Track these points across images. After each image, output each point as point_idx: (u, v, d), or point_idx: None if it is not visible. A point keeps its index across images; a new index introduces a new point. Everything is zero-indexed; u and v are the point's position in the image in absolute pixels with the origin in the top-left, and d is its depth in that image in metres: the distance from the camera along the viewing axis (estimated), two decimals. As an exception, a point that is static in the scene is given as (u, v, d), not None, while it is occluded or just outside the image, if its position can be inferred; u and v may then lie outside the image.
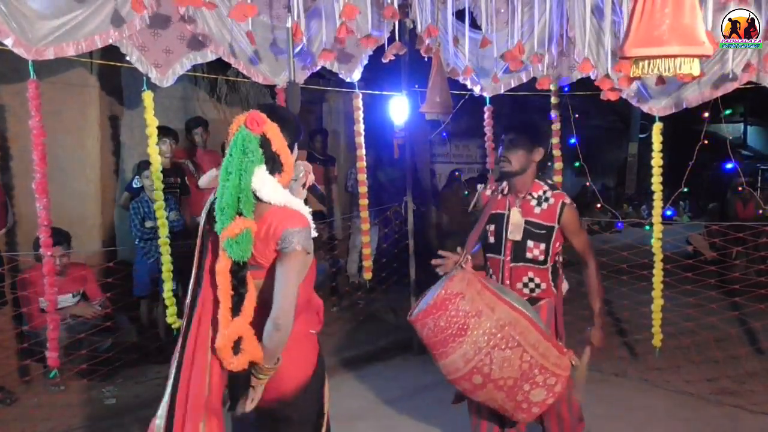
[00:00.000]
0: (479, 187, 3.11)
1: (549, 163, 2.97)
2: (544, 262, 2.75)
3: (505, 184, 2.85)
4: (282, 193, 1.92)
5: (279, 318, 1.87)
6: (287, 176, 1.96)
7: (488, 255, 2.85)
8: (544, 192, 2.77)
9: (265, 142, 1.90)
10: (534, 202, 2.76)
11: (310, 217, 1.95)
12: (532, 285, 2.77)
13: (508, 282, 2.77)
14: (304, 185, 2.20)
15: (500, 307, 2.46)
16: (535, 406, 2.48)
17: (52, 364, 3.46)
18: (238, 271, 1.89)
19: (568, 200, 2.76)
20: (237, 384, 2.05)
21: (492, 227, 2.82)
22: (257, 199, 1.90)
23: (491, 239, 2.82)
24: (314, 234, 1.97)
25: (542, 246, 2.73)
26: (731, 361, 4.59)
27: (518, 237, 2.74)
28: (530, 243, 2.74)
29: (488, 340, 2.39)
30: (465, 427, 3.74)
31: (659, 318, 4.43)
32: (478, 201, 3.00)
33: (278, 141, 1.92)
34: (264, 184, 1.88)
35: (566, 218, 2.73)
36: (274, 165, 1.93)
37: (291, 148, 1.98)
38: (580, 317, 3.07)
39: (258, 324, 1.90)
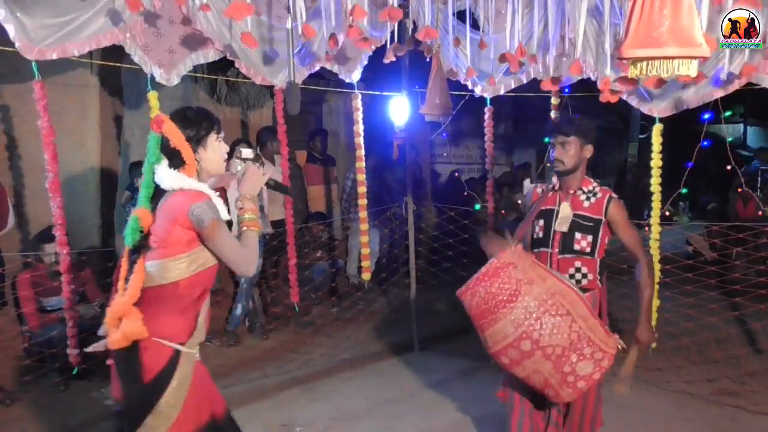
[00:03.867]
0: (527, 185, 3.17)
1: (549, 164, 2.99)
2: (592, 253, 2.81)
3: (555, 180, 2.95)
4: (180, 180, 2.06)
5: (245, 273, 2.11)
6: (191, 168, 2.10)
7: (536, 250, 2.90)
8: (593, 188, 2.87)
9: (165, 141, 2.07)
10: (583, 197, 2.86)
11: (211, 194, 2.09)
12: (579, 275, 2.81)
13: None
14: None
15: (551, 279, 2.53)
16: (581, 380, 2.48)
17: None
18: (132, 256, 2.05)
19: (615, 195, 2.86)
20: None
21: (541, 222, 2.89)
22: (163, 191, 2.07)
23: (540, 234, 2.89)
24: (227, 216, 2.12)
25: (589, 238, 2.80)
26: (731, 361, 4.59)
27: (565, 228, 2.82)
28: (578, 235, 2.81)
29: (539, 305, 2.44)
30: (466, 426, 3.75)
31: (655, 318, 4.41)
32: (528, 198, 3.10)
33: (176, 138, 2.06)
34: (164, 176, 2.06)
35: (612, 212, 2.81)
36: (175, 160, 2.08)
37: (199, 142, 2.12)
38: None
39: (151, 304, 2.02)
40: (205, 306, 2.17)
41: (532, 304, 2.44)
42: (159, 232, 2.03)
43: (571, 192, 2.87)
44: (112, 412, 3.93)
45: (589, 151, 2.85)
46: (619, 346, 2.56)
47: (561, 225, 2.83)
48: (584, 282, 2.80)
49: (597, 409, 2.89)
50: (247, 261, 2.08)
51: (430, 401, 4.14)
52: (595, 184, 2.89)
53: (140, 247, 2.03)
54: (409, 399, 4.20)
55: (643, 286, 2.84)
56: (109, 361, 2.12)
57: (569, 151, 2.81)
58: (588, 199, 2.85)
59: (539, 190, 3.05)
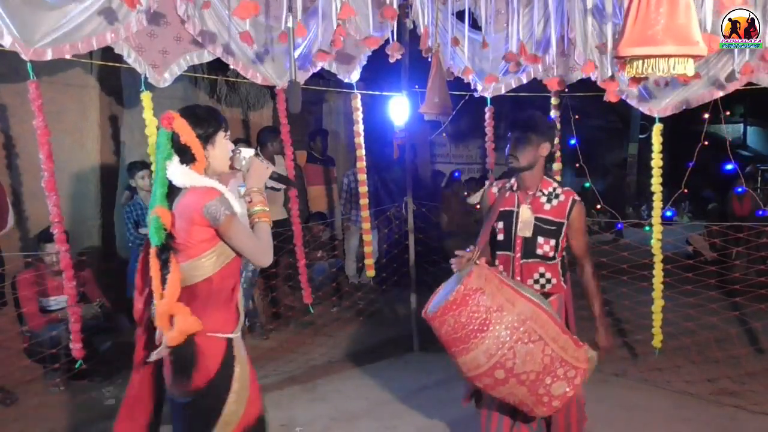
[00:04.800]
0: (486, 184, 3.10)
1: (548, 164, 2.96)
2: (554, 257, 2.77)
3: (513, 180, 2.86)
4: (191, 176, 2.10)
5: (262, 263, 2.19)
6: (201, 165, 2.14)
7: (498, 252, 2.85)
8: (554, 189, 2.80)
9: (175, 137, 2.10)
10: (544, 199, 2.79)
11: (222, 189, 2.13)
12: (543, 280, 2.78)
13: (518, 278, 2.77)
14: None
15: (520, 301, 2.47)
16: (556, 399, 2.47)
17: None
18: (161, 255, 2.09)
19: (578, 198, 2.80)
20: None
21: (501, 224, 2.82)
22: (176, 188, 2.11)
23: (500, 236, 2.82)
24: (240, 210, 2.16)
25: (552, 242, 2.75)
26: (731, 361, 4.58)
27: (528, 234, 2.76)
28: (540, 239, 2.75)
29: (511, 334, 2.39)
30: (465, 426, 3.75)
31: (659, 319, 4.42)
32: (484, 199, 2.99)
33: (186, 134, 2.09)
34: (175, 173, 2.10)
35: (575, 215, 2.76)
36: (185, 156, 2.12)
37: (208, 139, 2.15)
38: (578, 317, 3.06)
39: (191, 303, 2.07)
40: (240, 294, 2.25)
41: (504, 333, 2.39)
42: (181, 234, 2.08)
43: (531, 193, 2.80)
44: (113, 412, 3.95)
45: (546, 149, 2.76)
46: (589, 355, 2.54)
47: (523, 230, 2.76)
48: (548, 287, 2.77)
49: (581, 408, 2.90)
50: (263, 251, 2.15)
51: (430, 401, 4.13)
52: (555, 185, 2.82)
53: (168, 246, 2.08)
54: (409, 399, 4.19)
55: (593, 294, 2.81)
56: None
57: (525, 148, 2.72)
58: (549, 201, 2.78)
59: (495, 189, 2.94)
